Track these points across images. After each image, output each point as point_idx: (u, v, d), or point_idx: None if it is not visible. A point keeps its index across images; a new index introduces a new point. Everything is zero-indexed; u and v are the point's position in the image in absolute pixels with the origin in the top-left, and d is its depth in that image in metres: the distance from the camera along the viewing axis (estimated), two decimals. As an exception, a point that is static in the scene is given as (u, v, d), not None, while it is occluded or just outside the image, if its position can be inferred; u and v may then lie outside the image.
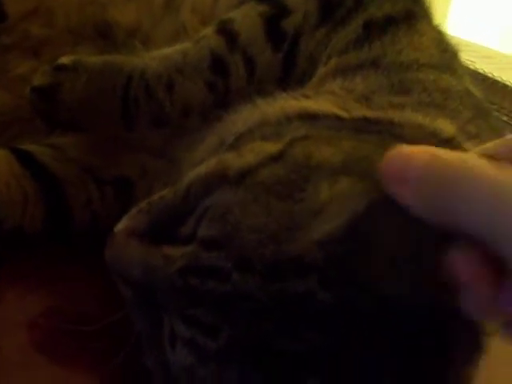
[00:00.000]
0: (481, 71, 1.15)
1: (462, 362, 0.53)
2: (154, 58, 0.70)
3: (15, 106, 0.80)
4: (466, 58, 0.70)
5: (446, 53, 0.67)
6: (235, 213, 0.46)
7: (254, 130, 0.56)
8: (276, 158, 0.49)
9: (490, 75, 1.16)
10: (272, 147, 0.51)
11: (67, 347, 0.60)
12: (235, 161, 0.50)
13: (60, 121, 0.72)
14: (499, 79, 1.16)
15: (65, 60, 0.71)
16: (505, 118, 1.08)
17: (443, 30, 0.70)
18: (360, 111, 0.57)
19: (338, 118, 0.56)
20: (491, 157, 0.36)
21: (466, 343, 0.49)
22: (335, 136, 0.52)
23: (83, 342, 0.59)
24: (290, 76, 0.67)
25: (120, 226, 0.52)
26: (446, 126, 0.56)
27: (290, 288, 0.43)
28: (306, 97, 0.60)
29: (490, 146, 0.39)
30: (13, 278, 0.67)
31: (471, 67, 0.85)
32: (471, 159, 0.35)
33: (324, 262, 0.43)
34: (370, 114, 0.56)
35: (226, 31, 0.69)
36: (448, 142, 0.54)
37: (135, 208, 0.53)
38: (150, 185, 0.73)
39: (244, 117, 0.61)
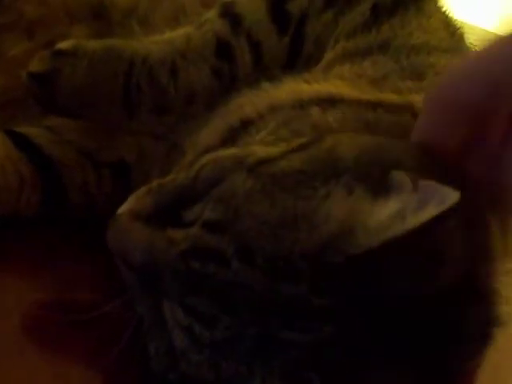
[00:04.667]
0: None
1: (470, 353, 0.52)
2: (156, 42, 0.68)
3: (9, 87, 0.78)
4: (469, 41, 0.69)
5: (454, 35, 0.66)
6: (240, 198, 0.45)
7: (265, 115, 0.55)
8: (297, 149, 0.48)
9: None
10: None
11: (60, 335, 0.59)
12: (260, 150, 0.49)
13: (57, 107, 0.69)
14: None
15: (64, 45, 0.68)
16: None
17: (449, 11, 0.69)
18: (375, 95, 0.56)
19: (359, 102, 0.55)
20: None
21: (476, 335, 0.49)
22: (358, 127, 0.52)
23: (77, 330, 0.57)
24: (296, 60, 0.65)
25: (124, 207, 0.51)
26: None
27: (283, 288, 0.42)
28: (316, 80, 0.59)
29: None
30: (8, 264, 0.65)
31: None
32: None
33: (313, 272, 0.42)
34: (388, 97, 0.55)
35: (230, 14, 0.67)
36: None
37: (143, 188, 0.52)
38: (148, 169, 0.71)
39: (251, 100, 0.60)
